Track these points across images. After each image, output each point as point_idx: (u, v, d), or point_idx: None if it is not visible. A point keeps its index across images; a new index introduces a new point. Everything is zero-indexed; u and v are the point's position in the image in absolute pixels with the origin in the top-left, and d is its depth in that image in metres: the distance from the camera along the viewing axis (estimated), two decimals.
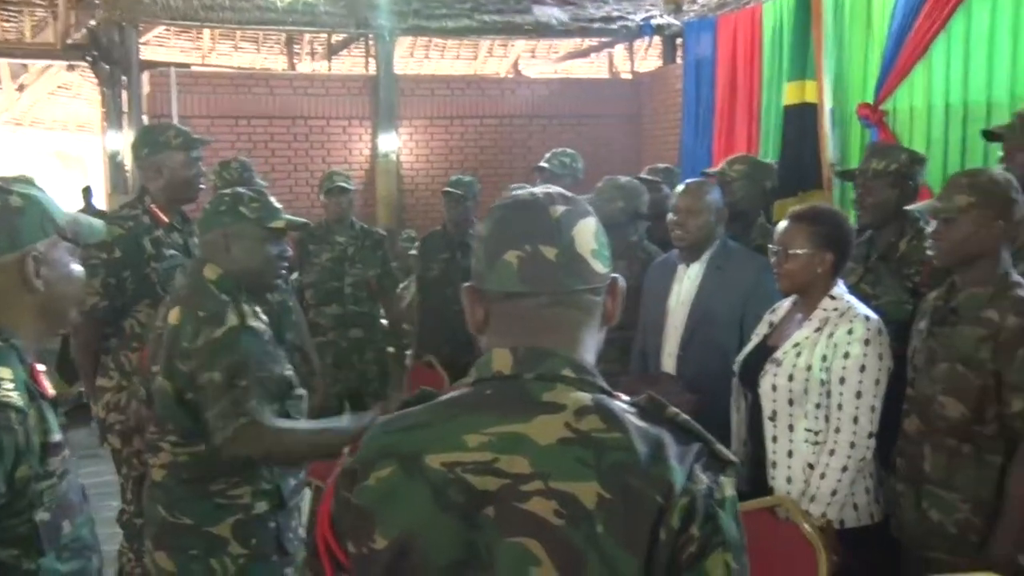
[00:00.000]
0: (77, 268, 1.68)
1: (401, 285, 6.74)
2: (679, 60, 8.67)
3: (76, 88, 13.12)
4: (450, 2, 8.71)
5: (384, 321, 4.84)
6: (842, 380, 2.50)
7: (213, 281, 2.30)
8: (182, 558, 2.29)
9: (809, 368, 2.53)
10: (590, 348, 1.17)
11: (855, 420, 2.48)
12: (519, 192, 1.20)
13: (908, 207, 2.78)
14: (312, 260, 4.57)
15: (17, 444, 1.48)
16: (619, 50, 11.34)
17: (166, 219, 3.29)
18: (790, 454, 2.59)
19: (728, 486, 1.06)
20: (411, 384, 4.59)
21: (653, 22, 8.91)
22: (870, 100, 5.55)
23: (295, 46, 11.28)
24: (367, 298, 4.63)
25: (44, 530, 1.57)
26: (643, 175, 4.60)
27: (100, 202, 9.46)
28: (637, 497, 1.01)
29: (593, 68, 12.57)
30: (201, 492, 2.26)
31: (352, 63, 11.49)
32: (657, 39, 9.39)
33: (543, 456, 1.05)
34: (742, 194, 3.67)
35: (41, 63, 12.00)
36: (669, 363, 3.25)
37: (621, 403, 1.11)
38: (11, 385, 1.51)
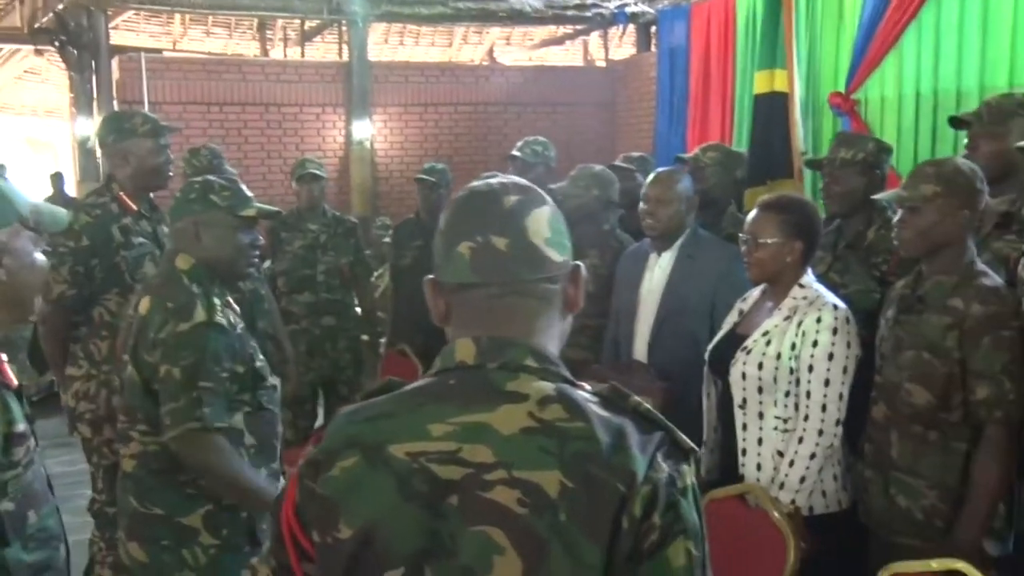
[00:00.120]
0: (40, 257, 1.66)
1: (375, 273, 6.73)
2: (653, 48, 8.69)
3: (44, 73, 12.94)
4: None
5: (358, 309, 4.83)
6: (811, 368, 2.52)
7: (185, 271, 2.28)
8: (154, 549, 2.28)
9: (778, 356, 2.55)
10: (552, 337, 1.17)
11: (823, 408, 2.51)
12: (476, 183, 1.20)
13: (875, 196, 2.80)
14: (284, 248, 4.54)
15: None
16: (594, 38, 11.36)
17: (134, 207, 3.26)
18: (760, 441, 2.61)
19: (689, 474, 1.07)
20: (384, 372, 4.58)
21: (627, 10, 8.91)
22: (842, 89, 5.60)
23: (268, 32, 11.19)
24: (340, 286, 4.61)
25: (9, 520, 1.56)
26: (617, 163, 4.62)
27: (71, 188, 9.35)
28: (599, 486, 1.02)
29: (568, 56, 12.58)
30: (171, 482, 2.24)
31: (325, 49, 11.43)
32: (631, 27, 9.40)
33: (506, 445, 1.05)
34: (714, 181, 3.69)
35: (8, 47, 11.81)
36: (641, 351, 3.27)
37: (584, 392, 1.11)
38: None
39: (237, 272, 2.41)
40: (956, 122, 2.98)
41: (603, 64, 10.76)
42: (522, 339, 1.13)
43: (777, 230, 2.60)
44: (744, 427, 2.64)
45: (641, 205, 3.28)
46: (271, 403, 2.38)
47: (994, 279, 2.34)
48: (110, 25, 8.65)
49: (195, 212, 2.31)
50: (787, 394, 2.56)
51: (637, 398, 1.11)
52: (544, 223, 1.15)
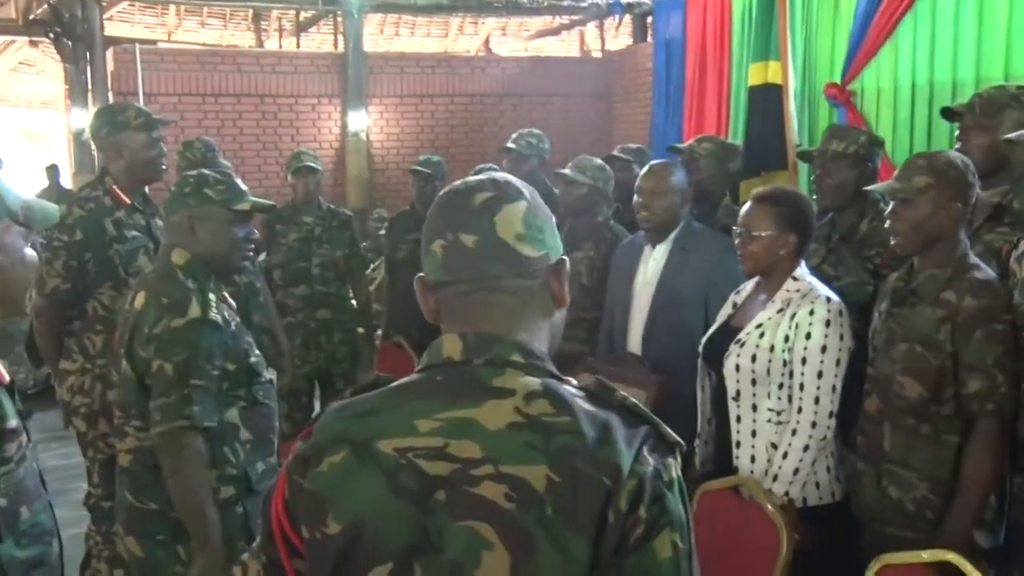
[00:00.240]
0: (30, 253, 1.66)
1: (372, 265, 6.73)
2: (650, 39, 8.67)
3: (39, 64, 12.90)
4: None
5: (353, 302, 4.83)
6: (804, 360, 2.52)
7: (180, 266, 2.28)
8: (149, 543, 2.29)
9: (772, 349, 2.56)
10: (538, 333, 1.17)
11: (816, 400, 2.52)
12: (457, 182, 1.21)
13: (868, 187, 2.80)
14: (279, 241, 4.54)
15: None
16: (590, 28, 11.33)
17: (128, 200, 3.25)
18: (753, 434, 2.62)
19: (674, 468, 1.08)
20: (380, 365, 4.59)
21: (623, 0, 8.89)
22: (838, 80, 5.59)
23: (263, 23, 11.16)
24: (335, 278, 4.60)
25: (2, 516, 1.56)
26: (615, 154, 4.61)
27: (66, 180, 9.33)
28: (586, 480, 1.03)
29: (564, 46, 12.56)
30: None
31: (321, 40, 11.41)
32: (627, 17, 9.38)
33: (493, 441, 1.06)
34: (709, 172, 3.69)
35: (3, 39, 11.77)
36: (635, 343, 3.27)
37: (570, 387, 1.12)
38: None
39: (232, 266, 2.41)
40: (948, 113, 2.98)
41: (599, 55, 10.74)
42: (508, 335, 1.14)
43: (771, 223, 2.60)
44: (738, 419, 2.65)
45: (635, 198, 3.28)
46: (267, 398, 2.38)
47: (987, 272, 2.34)
48: (105, 16, 8.63)
49: (190, 206, 2.31)
50: (780, 386, 2.57)
51: (623, 392, 1.12)
52: (516, 219, 1.15)
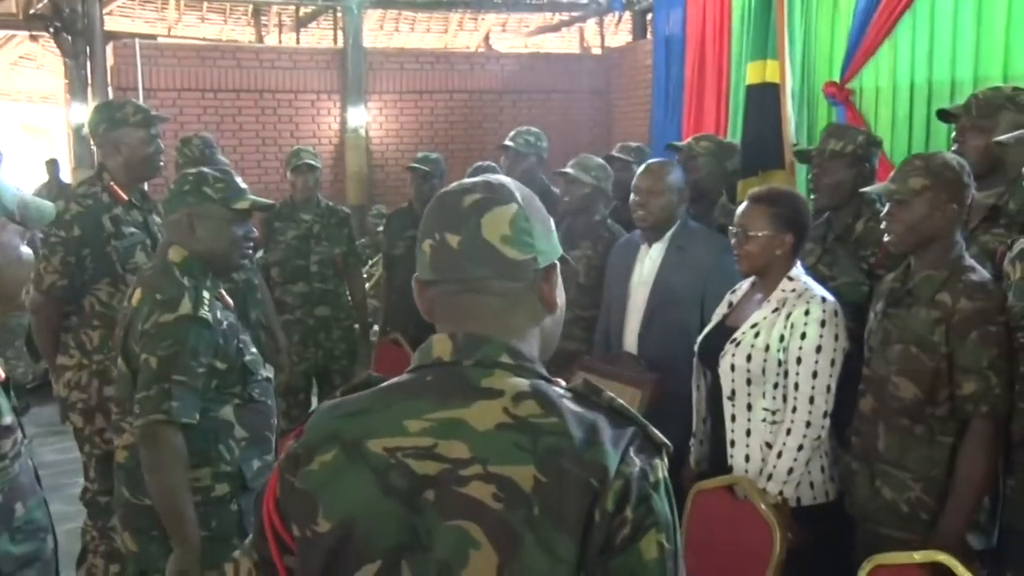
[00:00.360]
0: (27, 251, 1.66)
1: (371, 262, 6.73)
2: (649, 36, 8.66)
3: (40, 59, 12.90)
4: None
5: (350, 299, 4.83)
6: (799, 360, 2.53)
7: (177, 264, 2.29)
8: (144, 539, 2.30)
9: (767, 348, 2.56)
10: (525, 335, 1.18)
11: (811, 400, 2.52)
12: (453, 184, 1.22)
13: (864, 189, 2.80)
14: (278, 238, 4.54)
15: None
16: (590, 25, 11.32)
17: (125, 197, 3.25)
18: (748, 433, 2.63)
19: (661, 468, 1.09)
20: (378, 361, 4.59)
21: None
22: (837, 78, 5.59)
23: (263, 18, 11.15)
24: (333, 276, 4.60)
25: None
26: (615, 153, 4.61)
27: (66, 175, 9.33)
28: (572, 480, 1.04)
29: (564, 43, 12.55)
30: None
31: (320, 36, 11.40)
32: (627, 14, 9.37)
33: (481, 441, 1.07)
34: (707, 171, 3.69)
35: (3, 33, 11.76)
36: (631, 342, 3.28)
37: (558, 388, 1.13)
38: None
39: (231, 264, 2.41)
40: (944, 115, 2.98)
41: (599, 51, 10.73)
42: (497, 336, 1.15)
43: (767, 223, 2.61)
44: (733, 418, 2.65)
45: (632, 196, 3.28)
46: (264, 395, 2.38)
47: (981, 274, 2.34)
48: (105, 11, 8.62)
49: (189, 204, 2.31)
50: (775, 386, 2.58)
51: (610, 394, 1.12)
52: (503, 221, 1.15)
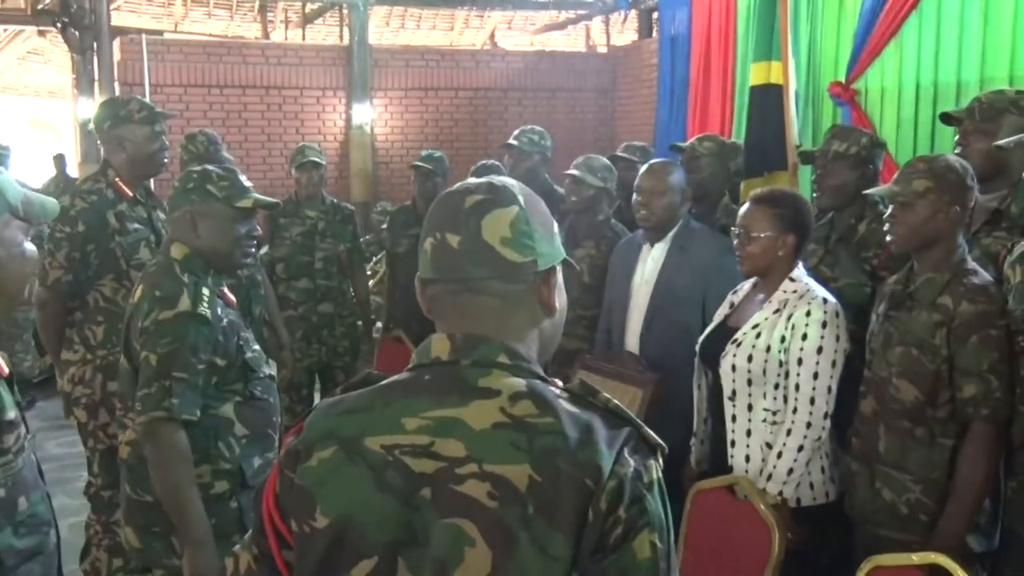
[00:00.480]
0: (30, 247, 1.67)
1: (375, 259, 6.74)
2: (655, 35, 8.66)
3: (47, 54, 12.94)
4: None
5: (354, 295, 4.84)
6: (800, 361, 2.54)
7: (179, 261, 2.29)
8: (146, 535, 2.31)
9: (768, 349, 2.57)
10: (523, 337, 1.19)
11: (812, 401, 2.53)
12: (457, 184, 1.23)
13: (867, 191, 2.80)
14: (282, 234, 4.54)
15: None
16: (596, 23, 11.31)
17: (130, 193, 3.27)
18: (749, 433, 2.63)
19: (655, 469, 1.10)
20: (380, 358, 4.60)
21: None
22: (842, 79, 5.59)
23: (269, 14, 11.16)
24: (337, 273, 4.61)
25: (0, 506, 1.57)
26: (619, 152, 4.62)
27: (73, 170, 9.35)
28: (567, 480, 1.05)
29: (569, 41, 12.54)
30: None
31: (326, 32, 11.41)
32: (633, 13, 9.37)
33: (478, 440, 1.08)
34: (710, 171, 3.70)
35: (11, 28, 11.79)
36: (633, 342, 3.29)
37: (554, 389, 1.14)
38: None
39: (233, 262, 2.41)
40: (948, 119, 2.98)
41: (604, 50, 10.72)
42: (495, 336, 1.16)
43: (769, 224, 2.61)
44: (733, 419, 2.66)
45: (635, 197, 3.28)
46: (266, 393, 2.38)
47: (983, 277, 2.34)
48: (112, 6, 8.64)
49: (192, 202, 2.31)
50: (776, 387, 2.58)
51: (606, 394, 1.13)
52: (504, 223, 1.16)
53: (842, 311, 2.58)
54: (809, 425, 2.53)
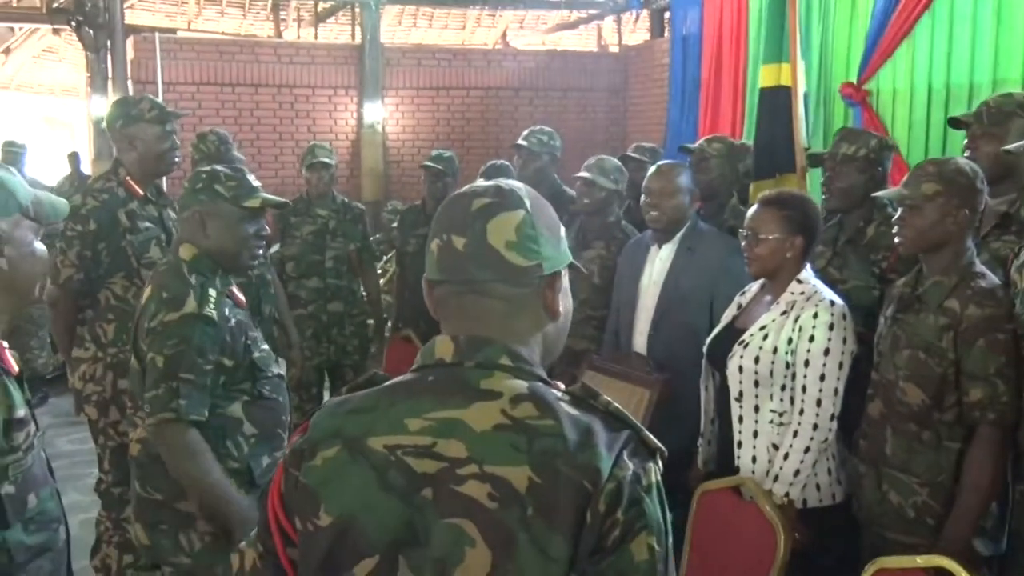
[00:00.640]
0: (40, 247, 1.69)
1: (385, 258, 6.75)
2: (667, 35, 8.64)
3: (62, 52, 13.01)
4: None
5: (364, 294, 4.85)
6: (807, 363, 2.53)
7: (187, 261, 2.30)
8: (154, 532, 2.32)
9: (775, 351, 2.57)
10: (527, 340, 1.20)
11: (818, 402, 2.52)
12: (465, 187, 1.24)
13: (875, 194, 2.80)
14: (293, 233, 4.56)
15: None
16: (608, 23, 11.30)
17: (141, 191, 3.29)
18: (755, 434, 2.63)
19: (654, 472, 1.10)
20: (389, 357, 4.62)
21: None
22: (854, 80, 5.57)
23: (281, 13, 11.19)
24: (347, 272, 4.63)
25: (10, 503, 1.59)
26: (630, 153, 4.61)
27: (87, 167, 9.40)
28: (566, 482, 1.06)
29: (581, 40, 12.52)
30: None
31: (338, 31, 11.43)
32: (645, 12, 9.35)
33: (479, 441, 1.09)
34: (718, 172, 3.70)
35: (26, 27, 11.87)
36: (640, 342, 3.29)
37: (556, 392, 1.15)
38: None
39: (241, 262, 2.40)
40: (956, 123, 2.97)
41: (616, 49, 10.70)
42: (498, 339, 1.17)
43: (777, 226, 2.61)
44: (740, 420, 2.66)
45: (644, 198, 3.29)
46: (275, 392, 2.39)
47: (991, 280, 2.34)
48: (126, 4, 8.68)
49: (201, 202, 2.32)
50: (783, 388, 2.58)
51: (607, 397, 1.14)
52: (509, 227, 1.17)
53: (849, 313, 2.58)
54: (816, 427, 2.53)
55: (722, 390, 2.74)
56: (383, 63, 8.76)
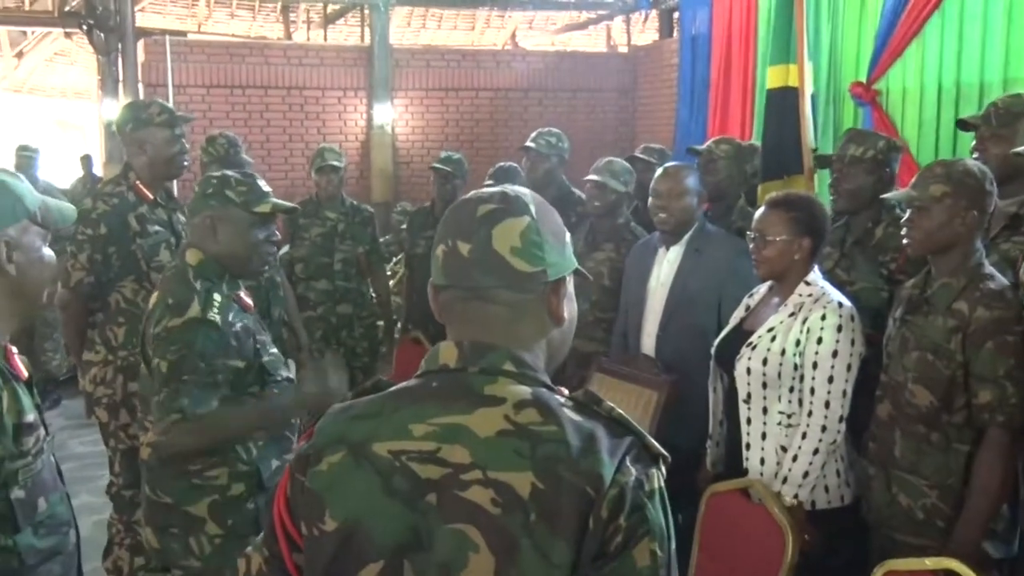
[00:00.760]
0: (48, 253, 1.70)
1: (395, 259, 6.76)
2: (676, 35, 8.63)
3: (73, 55, 13.10)
4: None
5: (374, 296, 4.87)
6: (815, 365, 2.53)
7: (193, 266, 2.30)
8: (164, 536, 2.33)
9: (783, 353, 2.56)
10: (531, 345, 1.20)
11: (827, 404, 2.52)
12: (471, 192, 1.25)
13: (884, 196, 2.79)
14: (302, 235, 4.58)
15: None
16: (617, 23, 11.29)
17: (151, 195, 3.31)
18: (764, 436, 2.63)
19: (657, 478, 1.11)
20: (398, 359, 4.62)
21: None
22: (863, 79, 5.55)
23: (291, 15, 11.23)
24: (356, 274, 4.65)
25: (20, 507, 1.60)
26: (638, 154, 4.61)
27: (99, 170, 9.45)
28: (569, 488, 1.06)
29: (590, 41, 12.52)
30: (178, 472, 2.28)
31: (348, 33, 11.46)
32: (654, 13, 9.34)
33: (482, 447, 1.10)
34: (726, 174, 3.69)
35: (39, 30, 11.94)
36: (648, 344, 3.29)
37: (559, 397, 1.15)
38: None
39: (252, 268, 2.41)
40: (964, 125, 2.95)
41: (625, 50, 10.69)
42: (502, 344, 1.17)
43: (785, 227, 2.61)
44: (749, 422, 2.66)
45: (651, 200, 3.29)
46: (284, 395, 2.39)
47: (1000, 282, 2.33)
48: (136, 8, 8.71)
49: (212, 207, 2.32)
50: (791, 390, 2.58)
51: (610, 403, 1.14)
52: (514, 233, 1.17)
53: (857, 315, 2.57)
54: (824, 428, 2.52)
55: (730, 392, 2.74)
56: (392, 64, 8.77)
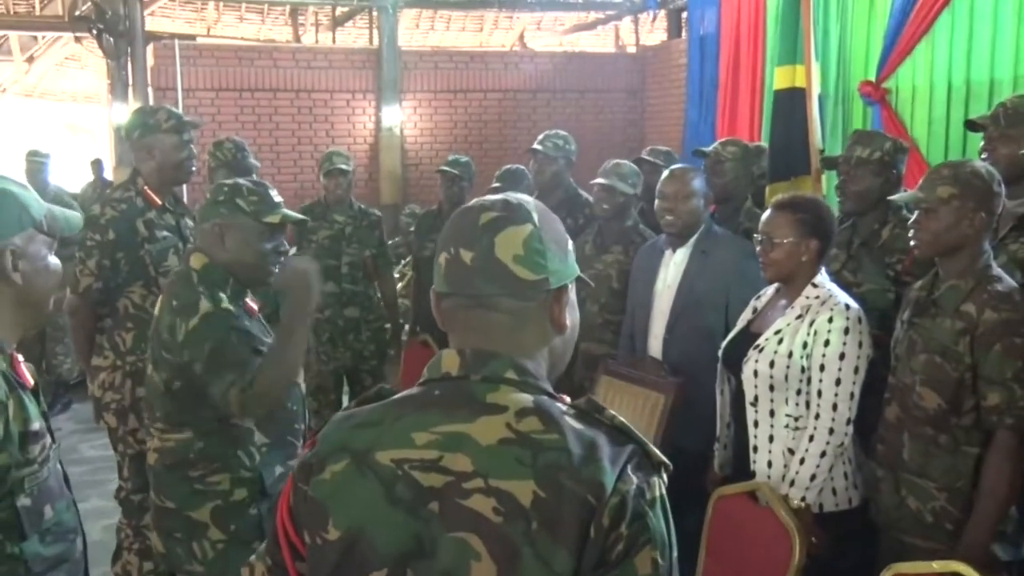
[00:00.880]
0: (54, 261, 1.70)
1: (403, 262, 6.77)
2: (684, 35, 8.62)
3: (84, 60, 13.15)
4: None
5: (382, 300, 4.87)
6: (822, 367, 2.52)
7: (197, 270, 2.30)
8: (169, 541, 2.34)
9: (790, 355, 2.55)
10: (533, 353, 1.20)
11: (834, 407, 2.51)
12: (475, 199, 1.24)
13: (891, 197, 2.78)
14: (310, 238, 4.59)
15: None
16: (625, 23, 11.27)
17: (159, 201, 3.32)
18: (771, 439, 2.62)
19: (658, 486, 1.10)
20: (406, 362, 4.63)
21: None
22: (872, 78, 5.53)
23: (299, 18, 11.26)
24: (363, 277, 4.65)
25: (26, 515, 1.61)
26: (644, 156, 4.60)
27: (109, 174, 9.49)
28: (570, 496, 1.06)
29: (599, 41, 12.50)
30: (182, 477, 2.29)
31: (356, 35, 11.48)
32: (663, 13, 9.33)
33: (484, 455, 1.10)
34: (733, 175, 3.68)
35: (49, 35, 12.01)
36: (655, 346, 3.29)
37: (561, 405, 1.15)
38: None
39: (259, 277, 2.39)
40: (973, 126, 2.94)
41: (633, 50, 10.67)
42: (504, 352, 1.17)
43: (792, 229, 2.60)
44: (756, 424, 2.65)
45: (658, 202, 3.28)
46: (288, 401, 2.39)
47: (1008, 283, 2.31)
48: (146, 12, 8.75)
49: (222, 215, 2.31)
50: (798, 392, 2.57)
51: (612, 412, 1.14)
52: (517, 241, 1.17)
53: (865, 317, 2.56)
54: (832, 431, 2.51)
55: (737, 394, 2.73)
56: (400, 66, 8.79)
